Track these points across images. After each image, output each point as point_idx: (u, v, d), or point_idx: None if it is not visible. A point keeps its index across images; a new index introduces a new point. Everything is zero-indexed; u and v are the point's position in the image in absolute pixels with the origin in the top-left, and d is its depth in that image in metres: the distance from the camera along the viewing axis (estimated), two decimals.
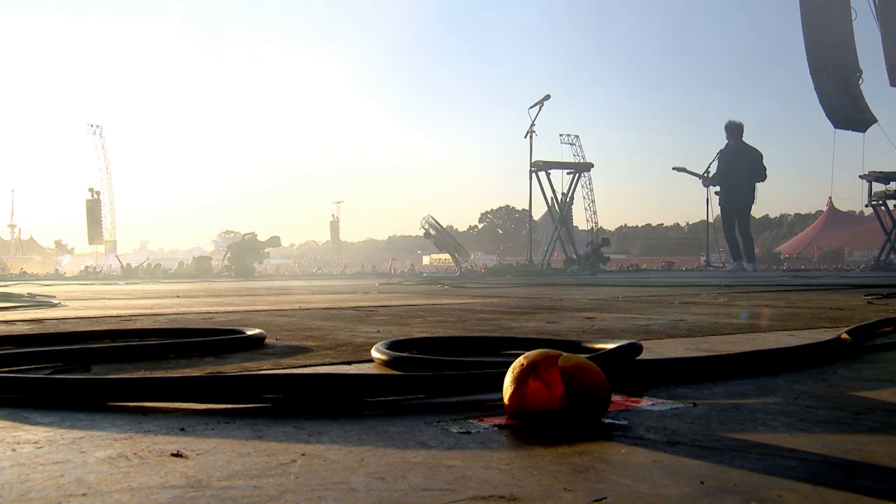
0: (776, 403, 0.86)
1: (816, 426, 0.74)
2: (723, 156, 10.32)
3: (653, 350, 1.39)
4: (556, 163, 15.26)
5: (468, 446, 0.67)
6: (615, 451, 0.64)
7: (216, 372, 1.17)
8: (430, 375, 0.92)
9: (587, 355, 0.89)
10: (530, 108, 14.89)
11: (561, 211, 15.07)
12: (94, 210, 33.55)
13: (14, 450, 0.66)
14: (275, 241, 16.64)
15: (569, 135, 35.47)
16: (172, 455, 0.63)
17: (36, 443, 0.69)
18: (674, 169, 11.49)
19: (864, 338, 1.44)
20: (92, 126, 39.84)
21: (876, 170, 12.61)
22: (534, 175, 14.61)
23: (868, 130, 15.73)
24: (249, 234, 16.33)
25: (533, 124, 14.67)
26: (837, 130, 16.29)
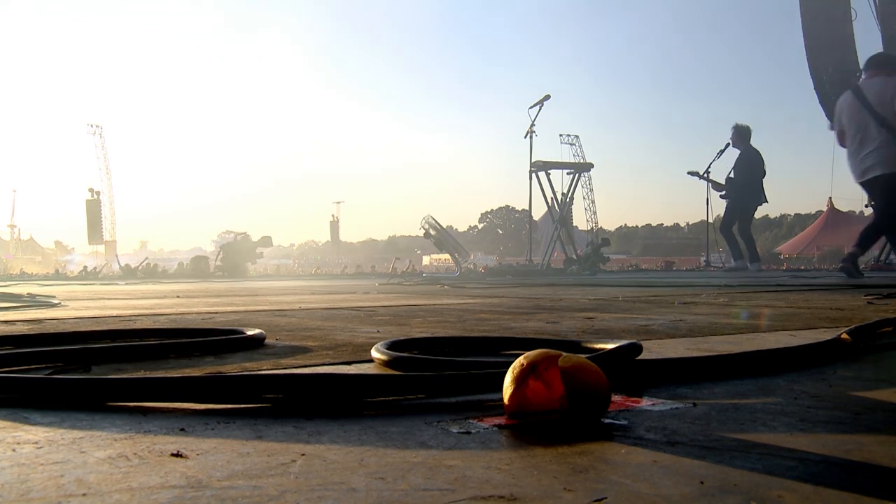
0: (776, 403, 0.86)
1: (816, 426, 0.74)
2: (739, 162, 10.22)
3: (653, 350, 1.39)
4: (556, 163, 15.25)
5: (468, 446, 0.67)
6: (615, 451, 0.64)
7: (216, 372, 1.17)
8: (430, 375, 0.92)
9: (587, 355, 0.89)
10: (530, 108, 14.89)
11: (561, 211, 15.07)
12: (94, 210, 33.57)
13: (14, 450, 0.66)
14: (267, 242, 16.61)
15: (569, 135, 35.48)
16: (172, 455, 0.63)
17: (36, 443, 0.69)
18: (696, 176, 11.30)
19: (864, 338, 1.43)
20: (92, 126, 39.87)
21: None
22: (534, 175, 14.60)
23: None
24: (242, 234, 16.27)
25: (533, 124, 14.67)
26: None
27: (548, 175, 14.77)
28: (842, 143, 6.73)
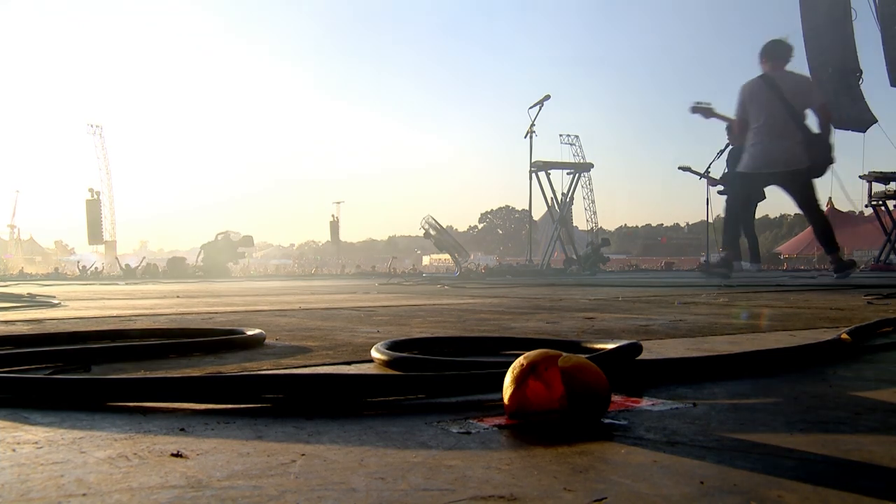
0: (776, 403, 0.86)
1: (816, 426, 0.74)
2: (732, 156, 10.24)
3: (653, 350, 1.39)
4: (556, 163, 15.25)
5: (468, 446, 0.67)
6: (615, 451, 0.64)
7: (216, 372, 1.17)
8: (430, 375, 0.92)
9: (587, 355, 0.89)
10: (530, 108, 14.88)
11: (561, 211, 15.06)
12: (94, 210, 33.57)
13: (14, 450, 0.66)
14: (248, 241, 16.44)
15: (569, 135, 35.52)
16: (172, 455, 0.63)
17: (36, 443, 0.69)
18: (689, 171, 11.30)
19: (864, 338, 1.43)
20: (92, 126, 39.94)
21: (876, 170, 12.60)
22: (534, 175, 14.60)
23: (868, 130, 15.74)
24: (222, 233, 16.04)
25: (533, 124, 14.66)
26: (837, 130, 16.30)
27: (548, 175, 14.77)
28: (739, 130, 6.71)
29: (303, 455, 0.64)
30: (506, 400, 0.74)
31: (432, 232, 13.72)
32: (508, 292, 4.59)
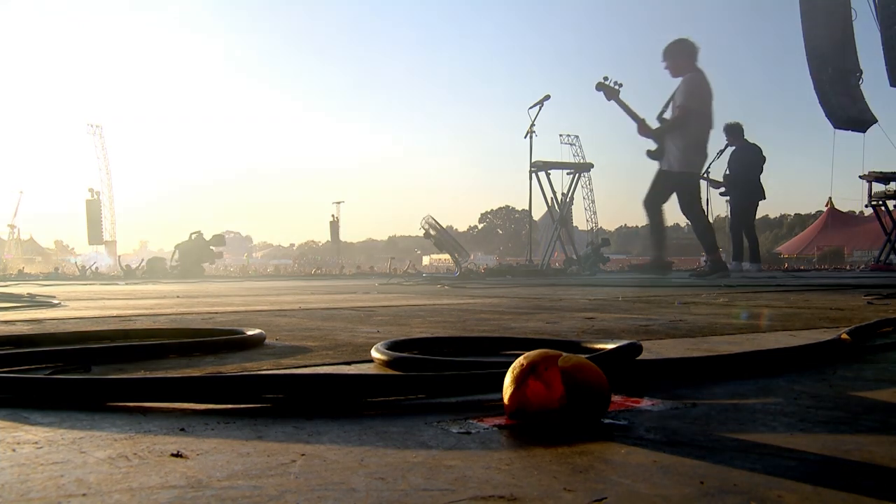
0: (776, 403, 0.86)
1: (816, 426, 0.74)
2: (733, 158, 10.25)
3: (653, 350, 1.39)
4: (556, 163, 15.23)
5: (468, 446, 0.67)
6: (615, 451, 0.64)
7: (216, 372, 1.17)
8: (430, 375, 0.92)
9: (587, 355, 0.89)
10: (530, 108, 14.84)
11: (561, 211, 15.05)
12: (94, 210, 33.60)
13: (14, 450, 0.66)
14: (219, 241, 16.25)
15: (569, 135, 35.51)
16: (172, 455, 0.63)
17: (36, 443, 0.69)
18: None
19: (864, 338, 1.43)
20: (92, 126, 39.94)
21: (876, 170, 12.60)
22: (534, 175, 14.58)
23: (868, 130, 15.74)
24: (196, 232, 15.82)
25: (533, 124, 14.64)
26: (837, 130, 16.30)
27: (548, 175, 14.75)
28: (642, 132, 7.29)
29: (303, 455, 0.64)
30: (506, 400, 0.74)
31: (432, 232, 13.72)
32: (508, 292, 4.59)
